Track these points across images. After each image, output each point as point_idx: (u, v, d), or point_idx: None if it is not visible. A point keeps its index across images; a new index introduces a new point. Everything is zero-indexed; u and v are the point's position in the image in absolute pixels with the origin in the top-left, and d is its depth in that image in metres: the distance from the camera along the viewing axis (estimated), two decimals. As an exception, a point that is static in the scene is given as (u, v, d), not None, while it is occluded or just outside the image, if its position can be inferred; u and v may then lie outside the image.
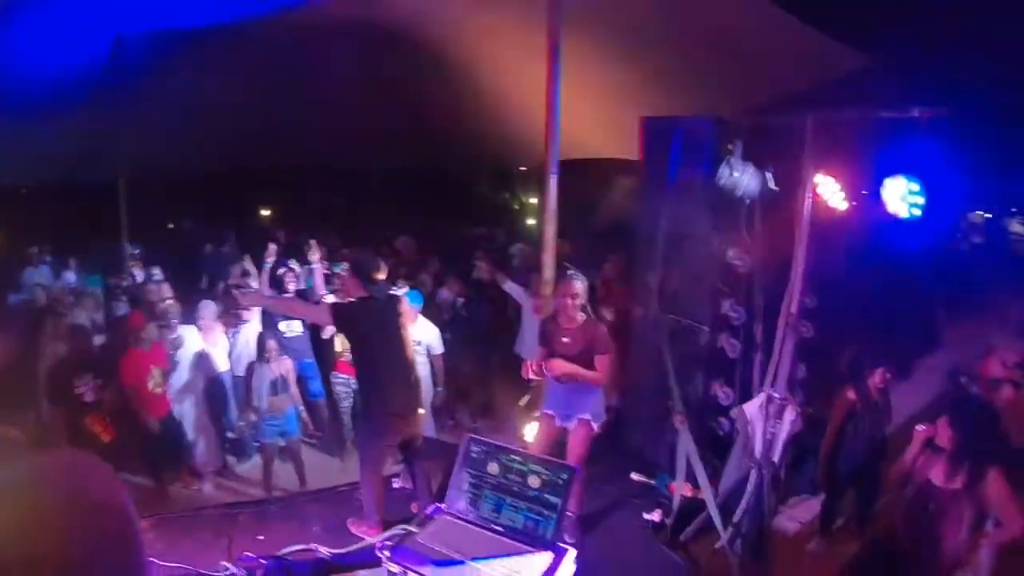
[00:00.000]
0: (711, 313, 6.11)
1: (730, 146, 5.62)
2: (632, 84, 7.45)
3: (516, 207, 23.96)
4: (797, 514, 6.99)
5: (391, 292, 6.04)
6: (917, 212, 4.77)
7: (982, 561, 4.52)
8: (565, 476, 2.99)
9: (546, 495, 2.98)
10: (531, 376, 5.43)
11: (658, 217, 6.20)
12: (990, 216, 46.40)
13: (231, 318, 8.03)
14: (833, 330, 7.77)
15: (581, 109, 8.55)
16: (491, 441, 3.14)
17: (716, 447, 6.16)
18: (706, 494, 5.73)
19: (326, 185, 19.40)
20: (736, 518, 5.57)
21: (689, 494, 5.94)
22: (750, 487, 5.50)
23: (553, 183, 5.84)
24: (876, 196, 4.93)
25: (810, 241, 5.14)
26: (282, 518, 5.84)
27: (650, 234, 6.27)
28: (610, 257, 8.91)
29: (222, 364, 7.91)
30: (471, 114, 9.54)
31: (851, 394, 6.18)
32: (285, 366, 7.19)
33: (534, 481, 3.01)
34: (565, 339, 5.36)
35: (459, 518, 3.10)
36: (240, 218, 18.29)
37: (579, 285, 5.30)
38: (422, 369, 6.80)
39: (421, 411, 5.65)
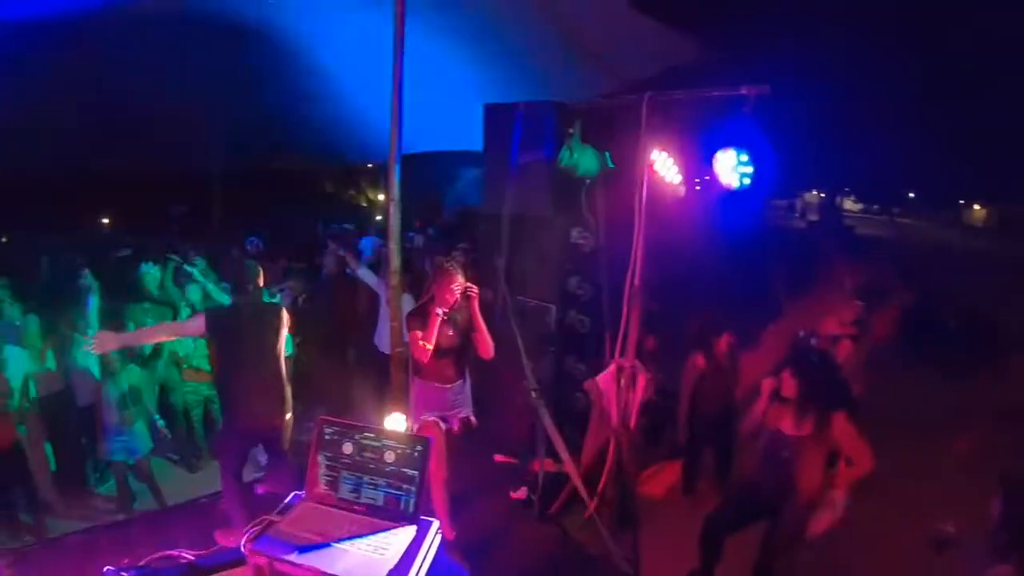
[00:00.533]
0: (559, 292, 6.25)
1: (571, 129, 5.78)
2: (475, 71, 7.52)
3: (366, 203, 23.74)
4: (662, 479, 7.34)
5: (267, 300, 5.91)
6: (747, 182, 5.10)
7: (837, 498, 4.79)
8: (420, 447, 2.99)
9: (403, 469, 2.98)
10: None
11: (502, 201, 6.29)
12: (824, 195, 49.45)
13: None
14: (681, 303, 8.10)
15: (428, 100, 8.61)
16: (343, 421, 3.12)
17: (576, 421, 6.30)
18: (569, 467, 5.86)
19: (167, 188, 18.54)
20: (600, 487, 5.73)
21: (553, 469, 6.07)
22: (610, 455, 5.67)
23: (396, 172, 5.83)
24: (710, 170, 5.22)
25: (651, 217, 5.35)
26: (146, 537, 5.67)
27: (495, 218, 6.35)
28: (459, 246, 8.97)
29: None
30: (316, 110, 9.43)
31: (700, 360, 6.52)
32: (132, 377, 6.83)
33: (390, 456, 3.00)
34: (450, 332, 5.33)
35: (320, 503, 3.06)
36: (75, 226, 17.12)
37: (460, 276, 5.27)
38: None
39: (287, 416, 5.52)
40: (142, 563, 3.52)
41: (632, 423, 5.60)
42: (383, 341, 7.85)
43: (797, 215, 47.87)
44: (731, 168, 5.10)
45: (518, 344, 6.14)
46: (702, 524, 5.28)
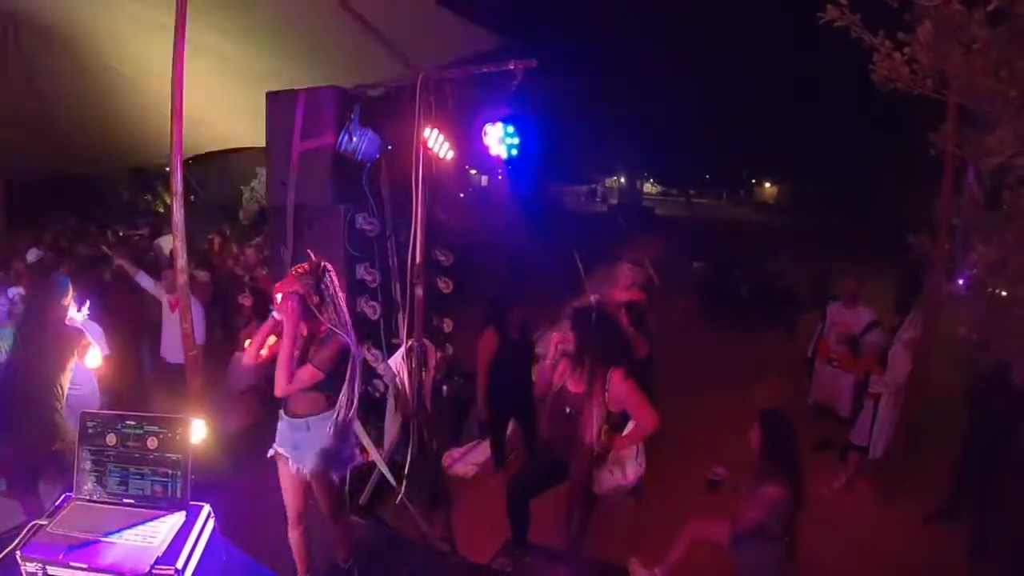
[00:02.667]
0: (347, 280, 6.18)
1: (351, 114, 5.74)
2: (261, 63, 7.33)
3: (163, 208, 22.61)
4: (472, 458, 7.46)
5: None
6: (515, 152, 5.26)
7: (628, 457, 5.01)
8: (181, 429, 2.91)
9: (167, 454, 2.89)
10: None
11: (286, 191, 6.16)
12: (624, 180, 51.59)
13: None
14: (478, 284, 8.21)
15: (221, 101, 8.33)
16: (104, 412, 2.99)
17: (377, 409, 6.26)
18: (374, 454, 5.85)
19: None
20: (407, 470, 5.74)
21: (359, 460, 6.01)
22: (412, 437, 5.68)
23: (179, 167, 5.59)
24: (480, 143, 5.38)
25: (436, 197, 5.41)
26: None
27: (280, 209, 6.22)
28: (252, 243, 8.74)
29: None
30: (102, 111, 8.93)
31: (491, 335, 6.64)
32: None
33: (152, 443, 2.90)
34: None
35: (89, 500, 2.92)
36: None
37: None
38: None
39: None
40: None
41: (428, 402, 5.63)
42: (169, 349, 7.46)
43: (598, 200, 49.90)
44: (499, 140, 5.28)
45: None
46: (506, 492, 5.38)
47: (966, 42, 2.71)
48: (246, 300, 7.52)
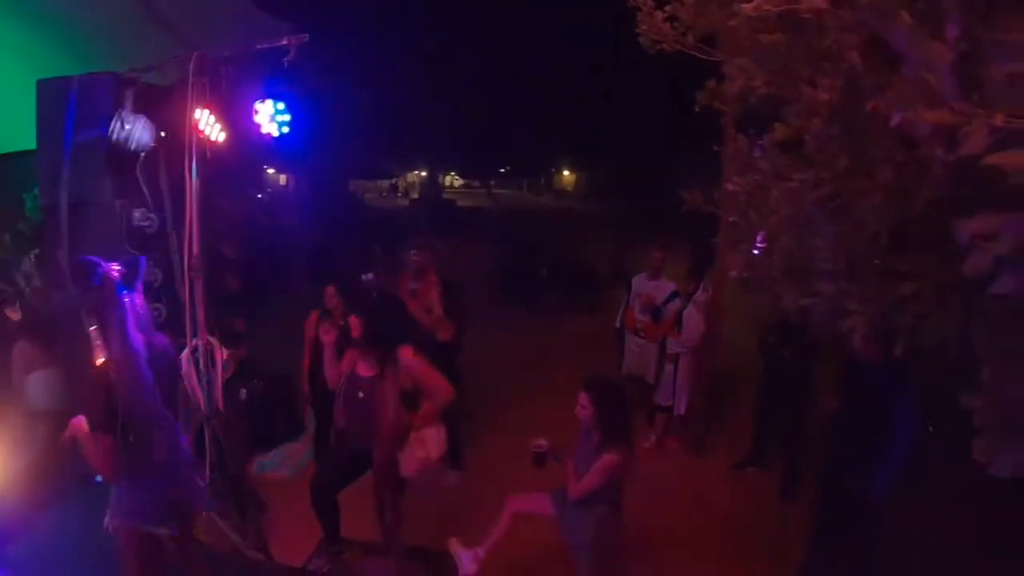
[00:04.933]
0: (82, 286, 5.81)
1: (125, 101, 5.39)
2: (34, 51, 6.77)
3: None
4: (286, 460, 7.29)
5: None
6: (286, 130, 5.19)
7: (426, 437, 4.95)
8: None
9: None
10: None
11: (59, 187, 5.72)
12: (425, 174, 51.78)
13: None
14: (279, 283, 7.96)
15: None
16: None
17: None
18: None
19: None
20: (208, 480, 5.43)
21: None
22: (208, 442, 5.40)
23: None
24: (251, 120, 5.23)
25: (214, 188, 5.18)
26: None
27: (53, 208, 5.76)
28: (31, 254, 8.10)
29: None
30: None
31: (315, 313, 6.55)
32: None
33: None
34: None
35: None
36: None
37: None
38: None
39: None
40: None
41: (220, 403, 5.36)
42: None
43: (400, 194, 49.90)
44: (269, 117, 5.25)
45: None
46: (309, 490, 5.23)
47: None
48: (13, 314, 6.88)
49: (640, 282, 8.06)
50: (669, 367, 7.64)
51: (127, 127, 5.27)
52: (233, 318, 6.58)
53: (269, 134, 5.36)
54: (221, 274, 6.13)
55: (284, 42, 4.91)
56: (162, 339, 4.42)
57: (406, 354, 4.78)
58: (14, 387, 6.27)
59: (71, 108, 5.63)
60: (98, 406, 3.74)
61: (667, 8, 3.25)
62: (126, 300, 3.85)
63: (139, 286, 3.95)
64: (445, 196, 45.66)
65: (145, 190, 5.60)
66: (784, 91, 2.23)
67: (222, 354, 5.34)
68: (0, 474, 4.69)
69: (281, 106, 5.31)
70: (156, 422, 3.92)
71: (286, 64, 4.88)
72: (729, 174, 2.79)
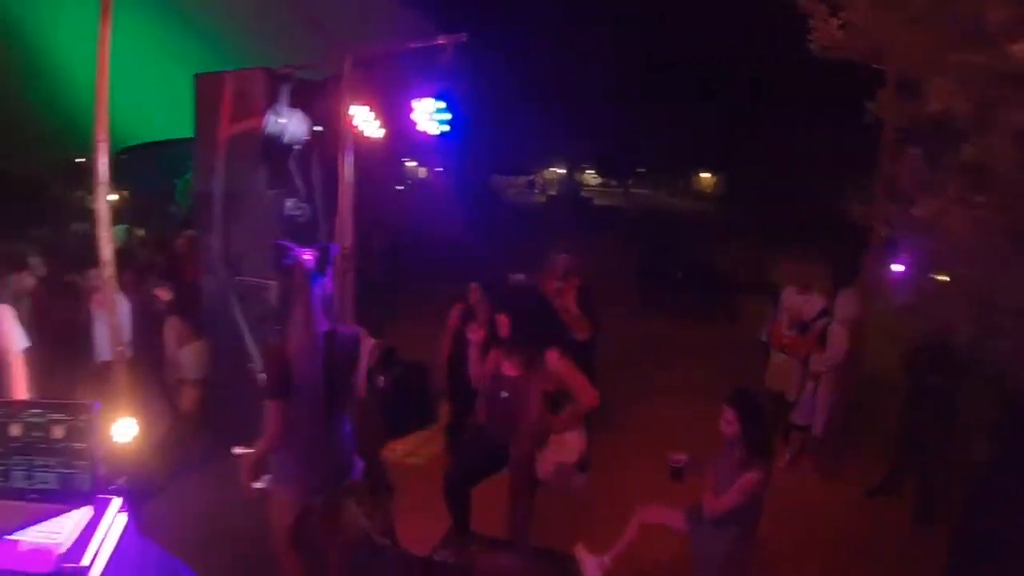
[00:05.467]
0: (278, 267, 5.99)
1: (280, 96, 5.57)
2: (190, 47, 7.11)
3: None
4: (416, 448, 7.32)
5: None
6: (447, 128, 5.14)
7: (567, 441, 4.86)
8: (86, 415, 2.71)
9: (73, 444, 2.68)
10: None
11: (214, 177, 5.96)
12: (563, 172, 51.71)
13: None
14: (411, 272, 8.05)
15: (151, 90, 8.05)
16: (7, 400, 2.79)
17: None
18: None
19: None
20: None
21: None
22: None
23: (104, 154, 5.35)
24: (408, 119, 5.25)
25: (367, 183, 5.27)
26: None
27: (206, 195, 6.01)
28: (186, 233, 8.45)
29: None
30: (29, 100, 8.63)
31: (458, 307, 6.46)
32: None
33: (58, 431, 2.69)
34: None
35: None
36: None
37: None
38: None
39: None
40: None
41: (363, 390, 5.46)
42: (97, 347, 7.05)
43: (537, 191, 49.90)
44: (428, 116, 5.15)
45: (240, 326, 5.85)
46: (443, 481, 5.24)
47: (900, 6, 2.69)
48: (163, 293, 7.20)
49: (788, 296, 7.69)
50: (810, 385, 7.31)
51: (281, 120, 5.43)
52: (377, 307, 6.70)
53: (426, 132, 5.35)
54: (368, 264, 6.25)
55: (440, 41, 4.94)
56: (351, 328, 4.59)
57: (553, 356, 4.71)
58: (168, 359, 6.62)
59: (226, 101, 5.86)
60: (273, 376, 3.87)
61: (841, 15, 3.10)
62: (316, 285, 3.93)
63: (329, 271, 4.02)
64: (582, 194, 45.41)
65: (298, 181, 5.77)
66: (981, 112, 2.06)
67: (368, 343, 5.43)
68: (143, 437, 4.89)
69: (442, 105, 5.28)
70: (325, 399, 4.01)
71: (443, 63, 4.89)
72: (900, 192, 2.62)
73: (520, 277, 6.06)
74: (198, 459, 6.07)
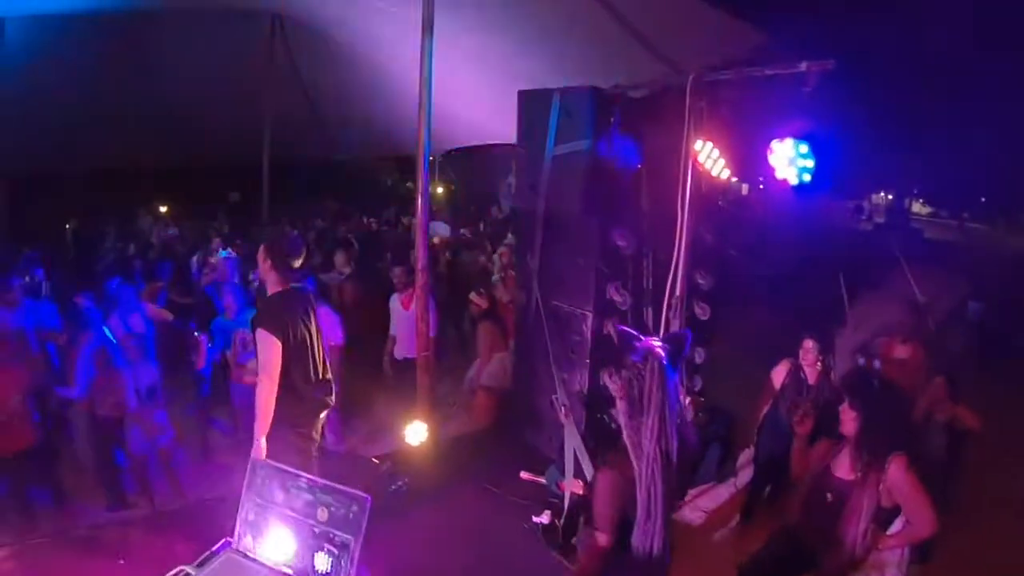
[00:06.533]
0: (595, 298, 5.70)
1: (611, 118, 5.30)
2: (515, 60, 7.13)
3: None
4: (701, 504, 6.73)
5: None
6: (807, 178, 4.44)
7: (890, 561, 4.21)
8: (356, 508, 2.56)
9: (335, 532, 2.58)
10: None
11: (536, 195, 5.82)
12: (891, 198, 48.03)
13: None
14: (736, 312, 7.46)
15: (475, 97, 8.32)
16: (275, 465, 2.70)
17: (608, 440, 5.75)
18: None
19: (218, 181, 18.55)
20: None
21: (580, 492, 5.51)
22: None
23: (424, 162, 5.40)
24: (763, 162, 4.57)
25: (698, 216, 4.80)
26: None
27: (529, 213, 5.90)
28: (505, 243, 8.57)
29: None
30: (359, 99, 9.55)
31: (785, 366, 5.79)
32: (150, 375, 6.34)
33: (322, 514, 2.62)
34: None
35: (245, 556, 2.66)
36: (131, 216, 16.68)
37: None
38: None
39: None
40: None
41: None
42: (400, 346, 7.16)
43: (864, 217, 46.18)
44: (788, 161, 4.46)
45: (548, 350, 5.65)
46: (736, 571, 4.69)
47: None
48: (480, 300, 7.20)
49: None
50: None
51: (615, 145, 5.11)
52: (694, 348, 6.18)
53: (786, 180, 4.62)
54: (692, 303, 5.76)
55: (802, 68, 4.26)
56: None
57: (898, 465, 3.98)
58: (480, 361, 6.90)
59: (552, 119, 5.74)
60: (606, 516, 3.50)
61: None
62: (670, 383, 3.18)
63: (681, 366, 3.34)
64: (913, 225, 41.33)
65: (627, 211, 5.44)
66: None
67: (685, 399, 4.99)
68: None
69: (804, 149, 4.54)
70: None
71: (806, 95, 4.21)
72: None
73: (875, 364, 5.27)
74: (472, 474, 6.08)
